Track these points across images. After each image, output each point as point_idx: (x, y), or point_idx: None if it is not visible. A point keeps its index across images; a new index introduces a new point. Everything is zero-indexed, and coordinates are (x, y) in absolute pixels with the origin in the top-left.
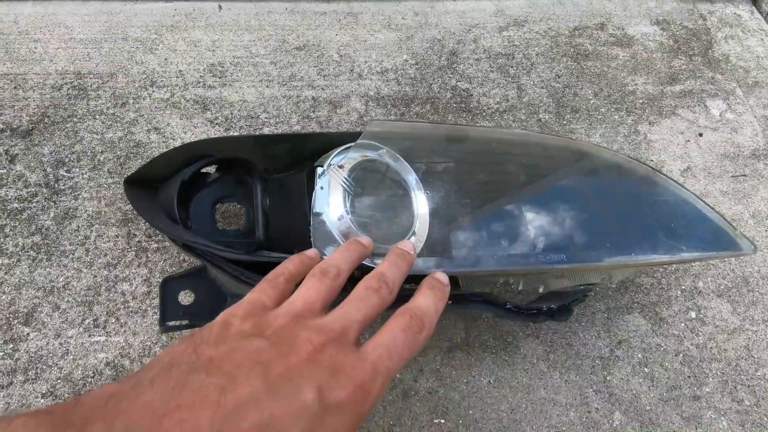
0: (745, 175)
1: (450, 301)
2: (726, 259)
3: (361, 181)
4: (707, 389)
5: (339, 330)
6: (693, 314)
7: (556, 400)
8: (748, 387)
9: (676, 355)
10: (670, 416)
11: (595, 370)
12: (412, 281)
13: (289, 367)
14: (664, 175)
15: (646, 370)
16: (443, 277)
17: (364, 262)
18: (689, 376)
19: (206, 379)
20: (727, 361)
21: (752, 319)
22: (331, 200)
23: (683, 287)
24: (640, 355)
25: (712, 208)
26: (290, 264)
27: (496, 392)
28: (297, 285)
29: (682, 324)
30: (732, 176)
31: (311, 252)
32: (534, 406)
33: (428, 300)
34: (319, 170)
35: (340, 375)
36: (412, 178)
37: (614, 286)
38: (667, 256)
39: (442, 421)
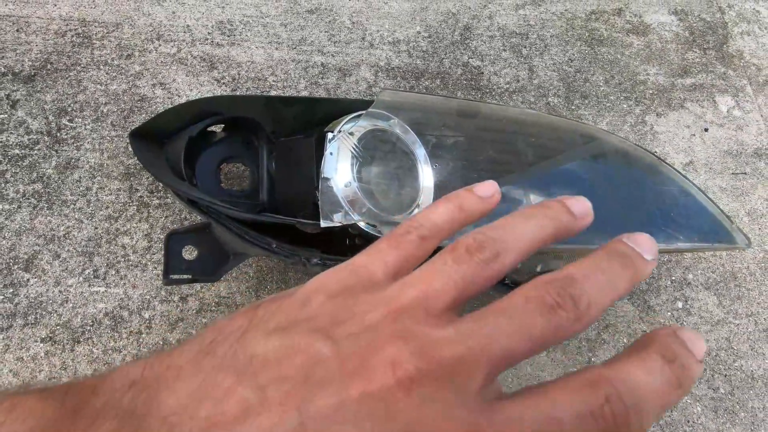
0: (745, 173)
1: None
2: (717, 254)
3: (370, 149)
4: None
5: (454, 359)
6: (680, 304)
7: (541, 377)
8: (725, 376)
9: None
10: None
11: (581, 351)
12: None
13: (342, 402)
14: (669, 165)
15: None
16: (701, 348)
17: (363, 228)
18: None
19: (233, 387)
20: (707, 350)
21: (736, 312)
22: (339, 166)
23: (673, 278)
24: (625, 340)
25: (713, 201)
26: (438, 210)
27: None
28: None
29: (669, 313)
30: (732, 173)
31: (485, 187)
32: (519, 382)
33: (655, 381)
34: (329, 136)
35: None
36: (420, 150)
37: None
38: (664, 244)
39: None
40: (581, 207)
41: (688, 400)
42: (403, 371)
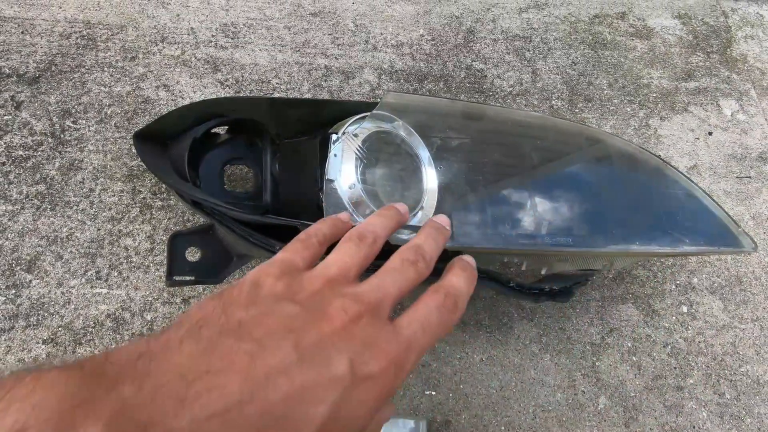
0: (749, 177)
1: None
2: (722, 258)
3: (374, 151)
4: (691, 381)
5: (374, 301)
6: (685, 309)
7: (545, 381)
8: (731, 381)
9: (664, 347)
10: (653, 404)
11: (585, 355)
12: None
13: (321, 336)
14: (674, 168)
15: (634, 358)
16: (473, 261)
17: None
18: (675, 368)
19: (235, 345)
20: (713, 355)
21: (741, 317)
22: (343, 168)
23: (678, 282)
24: (629, 344)
25: (719, 205)
26: (324, 225)
27: (487, 369)
28: (329, 249)
29: (674, 317)
30: (737, 177)
31: (344, 215)
32: (523, 386)
33: (461, 281)
34: (334, 137)
35: (374, 348)
36: (424, 153)
37: (611, 275)
38: (670, 247)
39: (434, 393)
40: (404, 208)
41: (694, 405)
42: (352, 311)
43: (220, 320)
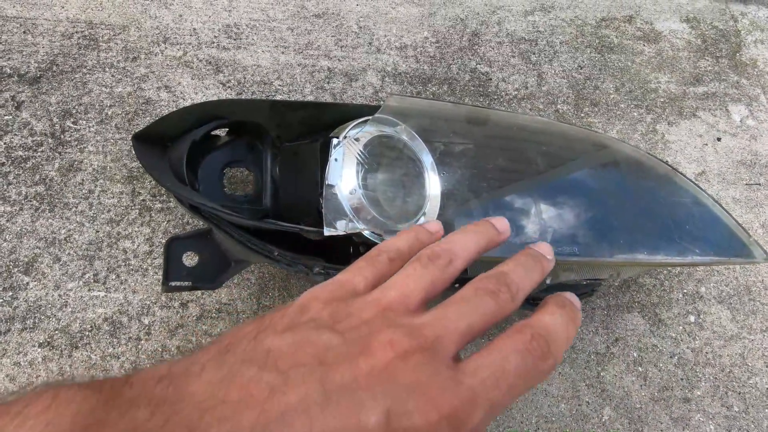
0: (759, 184)
1: (456, 285)
2: (731, 267)
3: (376, 156)
4: (698, 393)
5: (433, 336)
6: (692, 318)
7: (548, 391)
8: (739, 394)
9: (671, 357)
10: (659, 416)
11: (589, 365)
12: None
13: (355, 375)
14: (682, 174)
15: (640, 369)
16: (577, 300)
17: (368, 236)
18: (682, 379)
19: (257, 375)
20: (721, 367)
21: (750, 327)
22: (344, 173)
23: (685, 291)
24: (635, 354)
25: (729, 213)
26: (402, 239)
27: None
28: None
29: (681, 327)
30: (746, 184)
31: (432, 225)
32: (525, 396)
33: (557, 320)
34: (335, 141)
35: (421, 396)
36: (427, 157)
37: (617, 284)
38: (679, 257)
39: None
40: (502, 224)
41: (701, 418)
42: (399, 347)
43: (249, 346)
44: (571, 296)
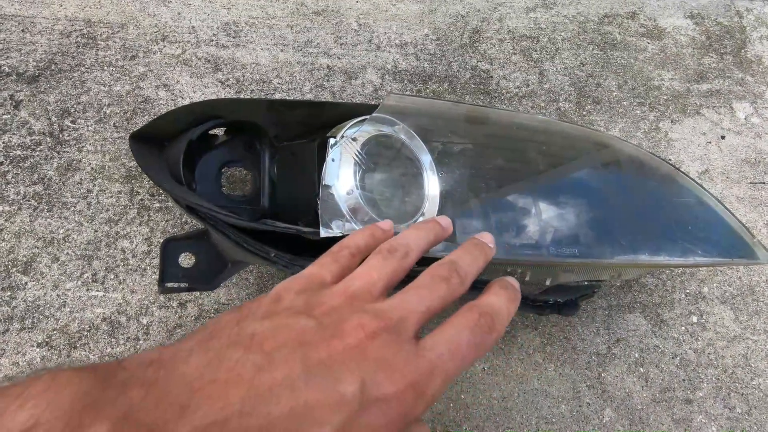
0: (763, 183)
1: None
2: (734, 267)
3: (374, 156)
4: (700, 394)
5: (396, 318)
6: (695, 319)
7: (549, 392)
8: (742, 395)
9: (673, 358)
10: (661, 417)
11: (590, 366)
12: (422, 263)
13: (331, 353)
14: (685, 174)
15: (641, 369)
16: (516, 283)
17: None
18: (684, 380)
19: (243, 356)
20: (723, 367)
21: (754, 328)
22: (341, 173)
23: (687, 291)
24: (636, 355)
25: (732, 214)
26: (359, 236)
27: (489, 379)
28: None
29: (683, 327)
30: (750, 183)
31: (385, 224)
32: (526, 396)
33: (501, 300)
34: (332, 141)
35: (389, 369)
36: (425, 157)
37: (619, 284)
38: (682, 259)
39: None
40: (446, 222)
41: (703, 419)
42: (368, 328)
43: (233, 332)
44: (511, 279)
